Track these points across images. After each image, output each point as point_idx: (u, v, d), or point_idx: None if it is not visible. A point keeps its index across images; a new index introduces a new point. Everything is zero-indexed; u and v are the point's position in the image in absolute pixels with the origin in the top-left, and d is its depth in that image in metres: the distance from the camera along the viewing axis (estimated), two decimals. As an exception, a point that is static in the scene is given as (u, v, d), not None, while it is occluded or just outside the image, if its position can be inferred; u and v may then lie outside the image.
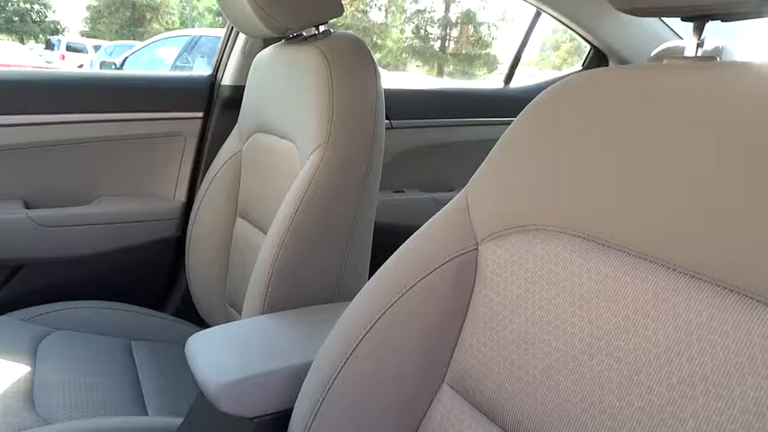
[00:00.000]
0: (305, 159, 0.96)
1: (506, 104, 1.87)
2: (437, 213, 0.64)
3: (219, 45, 1.51)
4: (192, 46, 5.91)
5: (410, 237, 0.64)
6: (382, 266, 0.64)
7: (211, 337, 0.78)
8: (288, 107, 1.07)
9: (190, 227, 1.32)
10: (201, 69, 5.97)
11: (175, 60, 5.93)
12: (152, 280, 1.51)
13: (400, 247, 0.64)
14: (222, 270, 1.27)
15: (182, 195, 1.49)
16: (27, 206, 1.35)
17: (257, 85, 1.22)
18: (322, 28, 1.09)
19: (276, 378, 0.69)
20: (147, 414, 0.99)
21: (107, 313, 1.27)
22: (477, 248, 0.58)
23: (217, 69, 1.50)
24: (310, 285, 0.93)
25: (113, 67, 5.86)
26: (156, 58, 6.58)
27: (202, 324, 1.33)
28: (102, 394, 1.04)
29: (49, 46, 13.63)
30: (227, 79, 1.46)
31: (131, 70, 1.40)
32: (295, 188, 0.93)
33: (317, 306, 0.90)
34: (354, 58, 1.01)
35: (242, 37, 1.44)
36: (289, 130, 1.06)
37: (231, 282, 1.25)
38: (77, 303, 1.26)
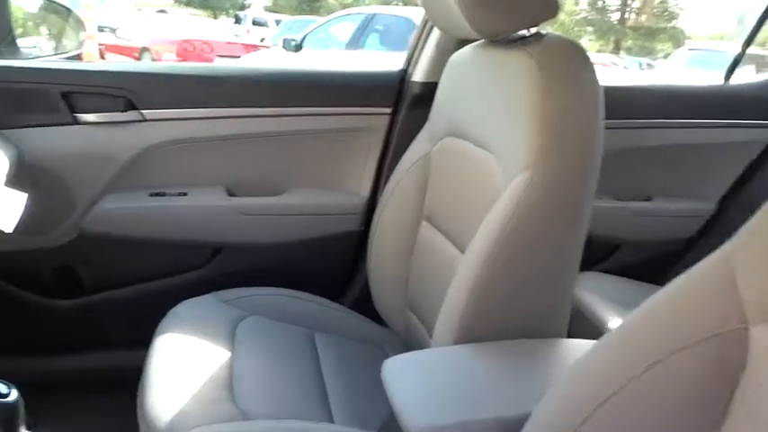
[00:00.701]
0: (509, 175, 0.89)
1: (728, 104, 1.63)
2: (691, 271, 0.54)
3: (412, 39, 1.48)
4: (366, 24, 6.04)
5: (654, 295, 0.55)
6: (617, 328, 0.56)
7: (409, 366, 0.76)
8: (488, 114, 1.00)
9: (374, 224, 1.32)
10: (373, 48, 6.10)
11: (351, 38, 6.10)
12: (333, 272, 1.55)
13: (642, 307, 0.55)
14: (404, 271, 1.26)
15: (365, 191, 1.50)
16: (229, 194, 1.44)
17: (453, 86, 1.16)
18: (533, 30, 1.00)
19: (485, 429, 0.65)
20: (331, 419, 1.00)
21: (293, 302, 1.32)
22: (747, 328, 0.48)
23: (408, 64, 1.47)
24: (510, 317, 0.87)
25: (293, 43, 6.18)
26: (331, 35, 6.82)
27: (379, 320, 1.33)
28: (291, 387, 1.08)
29: (237, 20, 14.85)
30: (419, 75, 1.43)
31: (324, 65, 1.45)
32: (499, 211, 0.86)
33: (519, 342, 0.84)
34: (572, 66, 0.91)
35: (436, 32, 1.40)
36: (487, 138, 0.99)
37: (413, 285, 1.23)
38: (268, 290, 1.32)
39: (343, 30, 6.71)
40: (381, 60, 5.20)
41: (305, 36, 6.44)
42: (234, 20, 15.68)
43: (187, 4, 20.64)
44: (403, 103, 1.45)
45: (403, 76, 1.47)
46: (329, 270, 1.55)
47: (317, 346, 1.22)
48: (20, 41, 1.49)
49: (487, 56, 1.06)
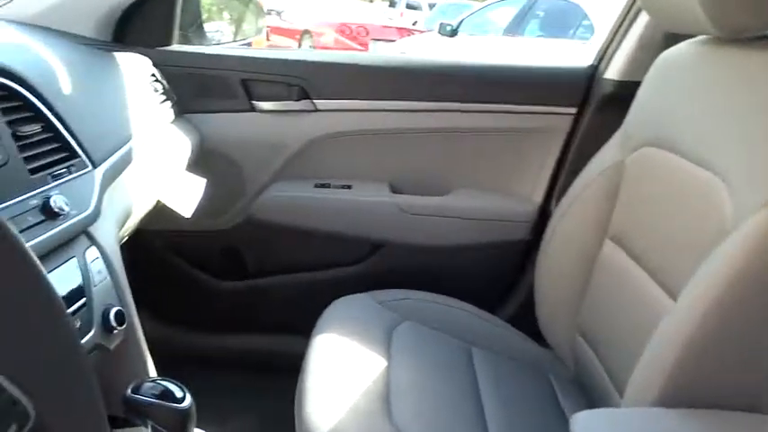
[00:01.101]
0: (745, 209, 0.72)
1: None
2: None
3: (608, 33, 1.31)
4: (527, 9, 5.76)
5: None
6: None
7: (605, 426, 0.64)
8: (715, 127, 0.83)
9: (548, 235, 1.20)
10: (532, 35, 5.79)
11: (510, 23, 5.86)
12: (492, 281, 1.45)
13: None
14: (577, 291, 1.12)
15: (538, 197, 1.37)
16: (393, 190, 1.39)
17: (663, 88, 1.00)
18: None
19: None
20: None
21: (449, 310, 1.24)
22: None
23: (599, 60, 1.31)
24: (733, 385, 0.71)
25: (449, 28, 6.06)
26: (488, 20, 6.61)
27: (539, 339, 1.21)
28: (447, 405, 1.00)
29: (392, 4, 15.00)
30: (613, 72, 1.27)
31: (505, 59, 1.34)
32: (731, 254, 0.70)
33: (742, 415, 0.69)
34: None
35: (640, 23, 1.22)
36: (713, 157, 0.82)
37: (588, 310, 1.09)
38: (424, 295, 1.26)
39: (500, 15, 6.46)
40: (542, 48, 4.93)
41: (461, 21, 6.30)
42: (388, 3, 15.89)
43: (345, -12, 21.29)
44: (591, 103, 1.30)
45: (592, 72, 1.32)
46: (488, 279, 1.45)
47: (475, 362, 1.13)
48: (204, 26, 1.54)
49: (718, 56, 0.88)
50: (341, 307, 1.19)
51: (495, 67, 1.38)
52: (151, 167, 1.01)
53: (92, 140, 0.79)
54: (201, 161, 1.29)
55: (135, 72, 1.13)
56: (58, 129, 0.73)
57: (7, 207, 0.60)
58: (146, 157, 1.00)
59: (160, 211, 1.05)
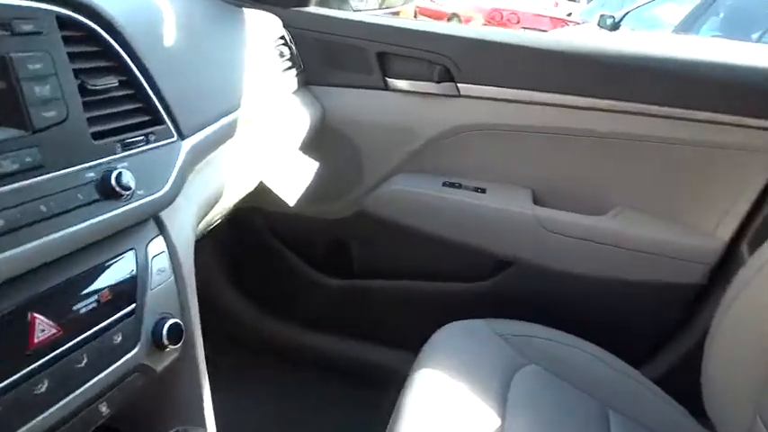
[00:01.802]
0: None
1: None
2: None
3: None
4: (707, 6, 5.08)
5: None
6: None
7: None
8: None
9: (736, 286, 0.91)
10: (707, 35, 5.11)
11: (685, 19, 5.21)
12: (645, 329, 1.17)
13: None
14: (766, 364, 0.84)
15: (725, 233, 1.07)
16: (535, 200, 1.15)
17: None
18: None
19: None
20: None
21: (586, 358, 1.00)
22: None
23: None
24: None
25: (612, 21, 5.53)
26: (654, 15, 5.97)
27: (695, 410, 0.94)
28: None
29: (548, -7, 14.25)
30: None
31: (704, 53, 1.05)
32: None
33: None
34: None
35: None
36: None
37: None
38: (555, 334, 1.02)
39: (668, 10, 5.81)
40: (719, 50, 4.31)
41: (626, 13, 5.72)
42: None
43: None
44: None
45: None
46: (640, 326, 1.17)
47: (612, 430, 0.89)
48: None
49: None
50: (454, 332, 0.99)
51: (704, 63, 1.07)
52: (258, 144, 0.87)
53: (185, 105, 0.65)
54: (318, 140, 1.14)
55: (261, 33, 0.99)
56: (141, 86, 0.59)
57: (54, 178, 0.46)
58: (254, 131, 0.86)
59: (262, 190, 0.92)
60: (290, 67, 1.07)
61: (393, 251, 1.28)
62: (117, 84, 0.55)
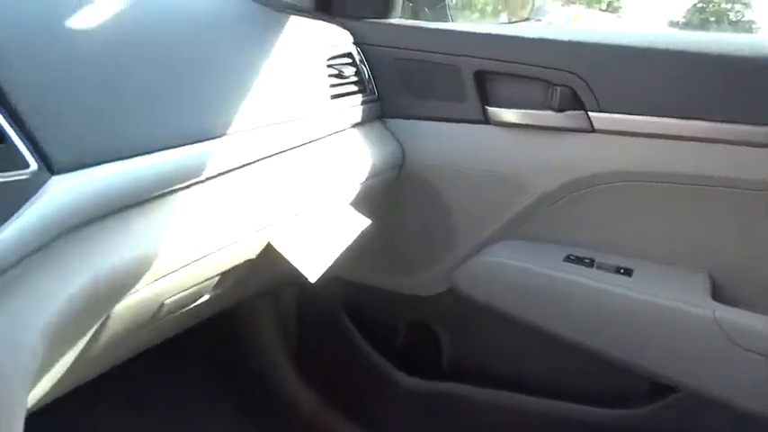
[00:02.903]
0: None
1: None
2: None
3: None
4: None
5: None
6: None
7: None
8: None
9: None
10: None
11: None
12: None
13: None
14: None
15: None
16: (714, 290, 0.74)
17: None
18: None
19: None
20: None
21: None
22: None
23: None
24: None
25: None
26: None
27: None
28: None
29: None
30: None
31: None
32: None
33: None
34: None
35: None
36: None
37: None
38: None
39: None
40: None
41: None
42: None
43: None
44: None
45: None
46: None
47: None
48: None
49: None
50: None
51: None
52: (265, 190, 0.59)
53: (66, 115, 0.40)
54: (395, 190, 0.85)
55: (305, 46, 0.73)
56: None
57: None
58: (262, 171, 0.59)
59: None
60: (352, 92, 0.80)
61: (494, 346, 0.93)
62: None
